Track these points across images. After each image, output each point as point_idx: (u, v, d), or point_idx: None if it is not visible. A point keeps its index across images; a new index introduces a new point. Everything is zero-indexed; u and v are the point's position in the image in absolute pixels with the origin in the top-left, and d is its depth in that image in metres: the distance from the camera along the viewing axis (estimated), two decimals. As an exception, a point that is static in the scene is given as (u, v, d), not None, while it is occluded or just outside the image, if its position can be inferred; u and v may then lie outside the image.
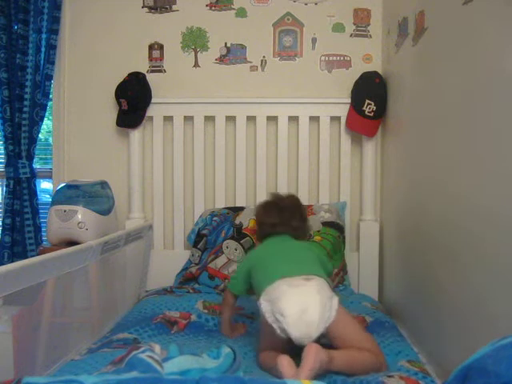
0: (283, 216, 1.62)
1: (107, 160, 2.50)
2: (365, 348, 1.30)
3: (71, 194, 2.08)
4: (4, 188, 2.53)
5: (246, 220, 2.23)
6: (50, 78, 2.46)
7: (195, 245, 2.30)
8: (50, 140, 2.70)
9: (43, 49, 2.46)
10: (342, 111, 2.36)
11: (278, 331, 1.29)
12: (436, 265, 1.60)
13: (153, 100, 2.40)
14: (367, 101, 2.28)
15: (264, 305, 1.34)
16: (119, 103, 2.38)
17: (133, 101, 2.35)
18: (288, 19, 2.46)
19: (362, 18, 2.44)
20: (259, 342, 1.46)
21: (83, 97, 2.51)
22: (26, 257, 2.40)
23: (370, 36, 2.44)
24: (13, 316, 1.53)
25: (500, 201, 1.18)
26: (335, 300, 1.34)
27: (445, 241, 1.53)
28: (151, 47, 2.49)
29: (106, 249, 1.73)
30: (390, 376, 1.22)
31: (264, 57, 2.47)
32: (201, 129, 2.41)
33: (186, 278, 2.23)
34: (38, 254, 2.03)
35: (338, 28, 2.44)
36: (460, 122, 1.43)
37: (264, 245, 1.64)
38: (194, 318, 1.75)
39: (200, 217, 2.38)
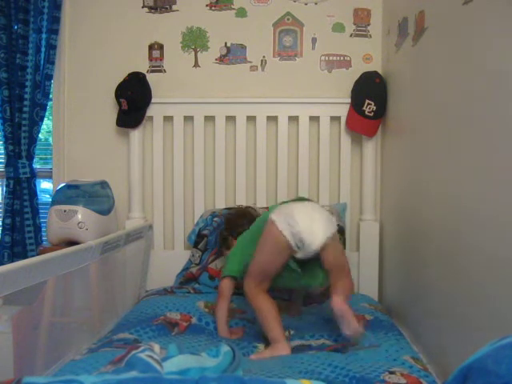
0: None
1: (107, 160, 2.50)
2: (345, 272, 1.56)
3: (71, 193, 2.08)
4: (4, 188, 2.53)
5: (246, 220, 2.23)
6: (50, 77, 2.46)
7: (196, 245, 2.30)
8: (50, 140, 2.70)
9: (43, 49, 2.46)
10: (342, 111, 2.36)
11: (288, 237, 1.45)
12: (436, 265, 1.60)
13: (153, 100, 2.40)
14: (367, 101, 2.28)
15: (275, 216, 1.50)
16: (119, 103, 2.38)
17: (133, 101, 2.35)
18: (288, 19, 2.46)
19: (362, 18, 2.44)
20: (252, 264, 1.53)
21: (83, 97, 2.51)
22: (26, 257, 2.40)
23: (370, 36, 2.44)
24: (13, 316, 1.53)
25: (500, 201, 1.18)
26: (334, 220, 1.58)
27: (445, 241, 1.53)
28: (151, 47, 2.49)
29: (106, 249, 1.73)
30: (391, 372, 1.22)
31: (264, 57, 2.47)
32: (201, 129, 2.41)
33: (187, 279, 2.22)
34: (38, 254, 2.03)
35: (338, 28, 2.44)
36: (460, 122, 1.43)
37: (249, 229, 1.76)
38: (194, 320, 1.75)
39: (201, 217, 2.38)
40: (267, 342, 1.52)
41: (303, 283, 1.56)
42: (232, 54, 2.47)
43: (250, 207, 2.02)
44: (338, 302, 1.42)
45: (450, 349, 1.46)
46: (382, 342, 1.51)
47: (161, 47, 2.49)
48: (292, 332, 1.61)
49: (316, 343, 1.53)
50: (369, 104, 2.28)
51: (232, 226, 1.89)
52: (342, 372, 1.23)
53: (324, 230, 1.47)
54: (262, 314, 1.51)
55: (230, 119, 2.42)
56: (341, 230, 2.23)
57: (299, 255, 1.48)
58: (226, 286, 1.63)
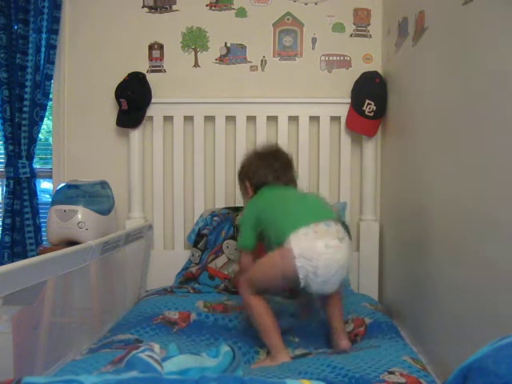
0: (283, 168, 1.69)
1: (107, 160, 2.50)
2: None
3: (71, 193, 2.08)
4: (4, 188, 2.53)
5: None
6: (50, 77, 2.46)
7: (195, 245, 2.30)
8: (50, 140, 2.70)
9: (43, 49, 2.46)
10: (342, 111, 2.36)
11: (301, 276, 1.36)
12: (436, 264, 1.60)
13: (153, 100, 2.40)
14: (367, 101, 2.28)
15: (295, 247, 1.36)
16: (119, 103, 2.38)
17: (133, 101, 2.35)
18: (288, 19, 2.46)
19: (361, 18, 2.44)
20: (253, 274, 1.48)
21: (83, 97, 2.51)
22: (25, 257, 2.40)
23: (370, 36, 2.44)
24: (13, 316, 1.53)
25: (500, 201, 1.18)
26: (351, 249, 1.48)
27: (445, 240, 1.53)
28: (151, 47, 2.49)
29: (106, 249, 1.73)
30: (390, 372, 1.22)
31: (264, 57, 2.47)
32: (201, 129, 2.41)
33: (186, 278, 2.23)
34: (38, 254, 2.03)
35: (338, 28, 2.44)
36: (460, 122, 1.43)
37: (265, 192, 1.62)
38: (193, 316, 1.75)
39: (200, 217, 2.38)
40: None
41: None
42: (232, 54, 2.47)
43: (279, 152, 1.73)
44: (346, 345, 1.51)
45: (450, 349, 1.46)
46: (382, 343, 1.51)
47: (161, 47, 2.49)
48: (297, 340, 1.61)
49: (317, 351, 1.53)
50: (369, 104, 2.28)
51: (252, 174, 1.68)
52: (342, 372, 1.23)
53: (339, 280, 1.42)
54: (260, 320, 1.47)
55: (230, 119, 2.42)
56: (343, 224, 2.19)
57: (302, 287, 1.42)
58: (249, 263, 1.56)
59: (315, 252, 1.35)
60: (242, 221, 1.66)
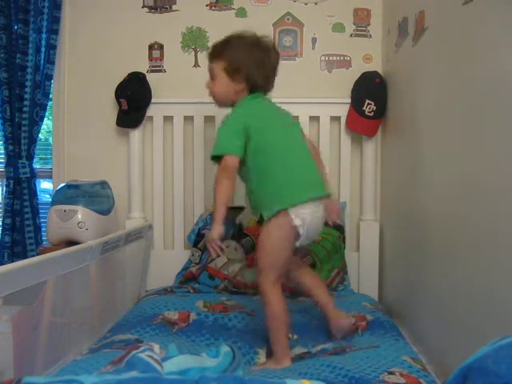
0: (274, 70, 1.61)
1: (107, 160, 2.50)
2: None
3: (71, 193, 2.08)
4: (4, 188, 2.53)
5: (246, 220, 2.23)
6: (50, 77, 2.46)
7: (195, 244, 2.30)
8: (50, 140, 2.70)
9: (43, 49, 2.46)
10: (342, 111, 2.36)
11: (300, 233, 1.45)
12: (436, 264, 1.60)
13: (153, 100, 2.40)
14: (367, 101, 2.28)
15: (295, 217, 1.44)
16: (119, 103, 2.38)
17: (133, 101, 2.35)
18: (288, 19, 2.46)
19: (361, 18, 2.44)
20: (263, 257, 1.48)
21: (83, 97, 2.51)
22: (26, 257, 2.39)
23: (370, 36, 2.44)
24: (13, 316, 1.53)
25: (501, 202, 1.18)
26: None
27: (445, 240, 1.53)
28: (151, 47, 2.49)
29: (106, 249, 1.73)
30: (390, 372, 1.22)
31: (264, 57, 2.47)
32: (201, 129, 2.41)
33: (186, 278, 2.23)
34: (38, 254, 2.03)
35: (338, 28, 2.44)
36: (460, 122, 1.43)
37: (254, 105, 1.56)
38: (193, 316, 1.75)
39: (200, 217, 2.38)
40: (268, 345, 1.51)
41: None
42: (232, 54, 2.47)
43: (275, 49, 1.57)
44: (347, 323, 1.58)
45: (449, 349, 1.46)
46: (382, 342, 1.51)
47: (161, 47, 2.49)
48: (296, 337, 1.61)
49: (316, 349, 1.53)
50: (369, 104, 2.28)
51: (254, 69, 1.50)
52: (342, 372, 1.23)
53: (318, 232, 1.57)
54: (276, 320, 1.44)
55: (230, 119, 2.41)
56: (341, 229, 2.23)
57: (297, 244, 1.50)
58: (235, 165, 1.46)
59: (306, 212, 1.45)
60: (228, 124, 1.50)
